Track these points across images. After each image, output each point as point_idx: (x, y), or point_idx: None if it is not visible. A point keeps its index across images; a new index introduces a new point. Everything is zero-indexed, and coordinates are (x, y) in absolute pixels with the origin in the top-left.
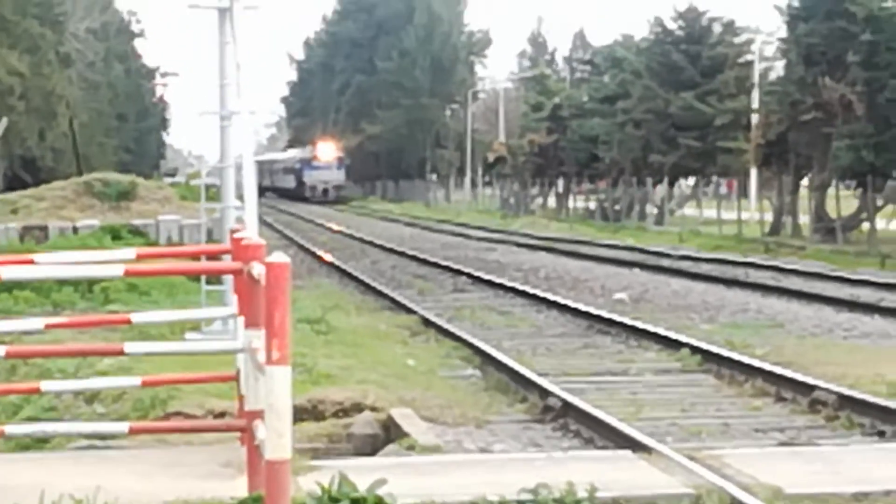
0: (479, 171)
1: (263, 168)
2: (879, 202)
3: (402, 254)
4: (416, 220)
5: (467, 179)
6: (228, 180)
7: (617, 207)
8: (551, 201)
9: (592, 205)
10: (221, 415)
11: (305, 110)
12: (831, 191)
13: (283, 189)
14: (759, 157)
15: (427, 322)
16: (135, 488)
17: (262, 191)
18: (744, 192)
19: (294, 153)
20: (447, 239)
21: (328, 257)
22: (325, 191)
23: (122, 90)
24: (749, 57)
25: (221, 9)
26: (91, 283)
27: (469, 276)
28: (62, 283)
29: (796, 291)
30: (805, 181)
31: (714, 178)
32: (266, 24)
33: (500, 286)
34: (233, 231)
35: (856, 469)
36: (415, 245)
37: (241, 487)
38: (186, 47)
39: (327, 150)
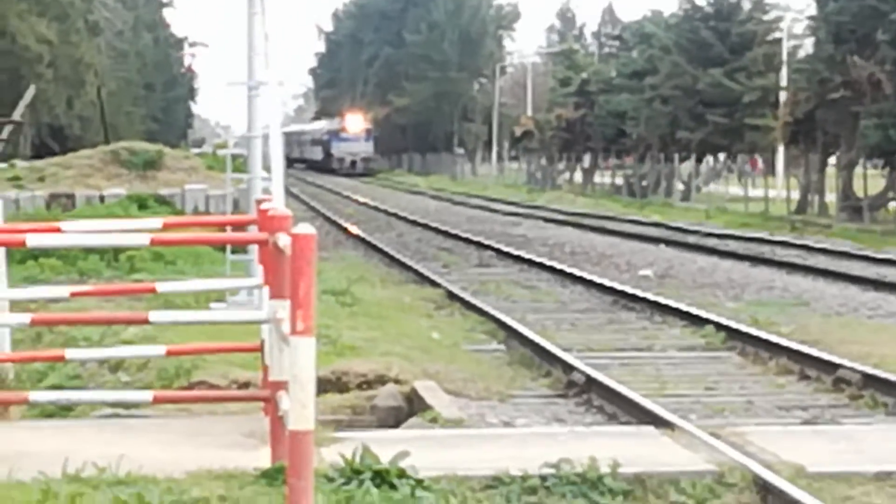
0: (506, 146)
1: (291, 139)
2: None
3: (427, 227)
4: (442, 194)
5: (494, 153)
6: (255, 151)
7: (644, 183)
8: (578, 176)
9: (619, 180)
10: (245, 385)
11: (333, 82)
12: (858, 170)
13: (310, 160)
14: (786, 134)
15: (452, 295)
16: (158, 457)
17: (290, 162)
18: (771, 170)
19: (322, 124)
20: (473, 213)
21: (354, 230)
22: (353, 163)
23: (150, 59)
24: (778, 34)
25: None
26: (117, 251)
27: (495, 250)
28: (88, 251)
29: (822, 270)
30: (832, 160)
31: (740, 156)
32: None
33: (526, 261)
34: (259, 202)
35: (879, 448)
36: (440, 218)
37: (264, 458)
38: (215, 17)
39: (356, 122)
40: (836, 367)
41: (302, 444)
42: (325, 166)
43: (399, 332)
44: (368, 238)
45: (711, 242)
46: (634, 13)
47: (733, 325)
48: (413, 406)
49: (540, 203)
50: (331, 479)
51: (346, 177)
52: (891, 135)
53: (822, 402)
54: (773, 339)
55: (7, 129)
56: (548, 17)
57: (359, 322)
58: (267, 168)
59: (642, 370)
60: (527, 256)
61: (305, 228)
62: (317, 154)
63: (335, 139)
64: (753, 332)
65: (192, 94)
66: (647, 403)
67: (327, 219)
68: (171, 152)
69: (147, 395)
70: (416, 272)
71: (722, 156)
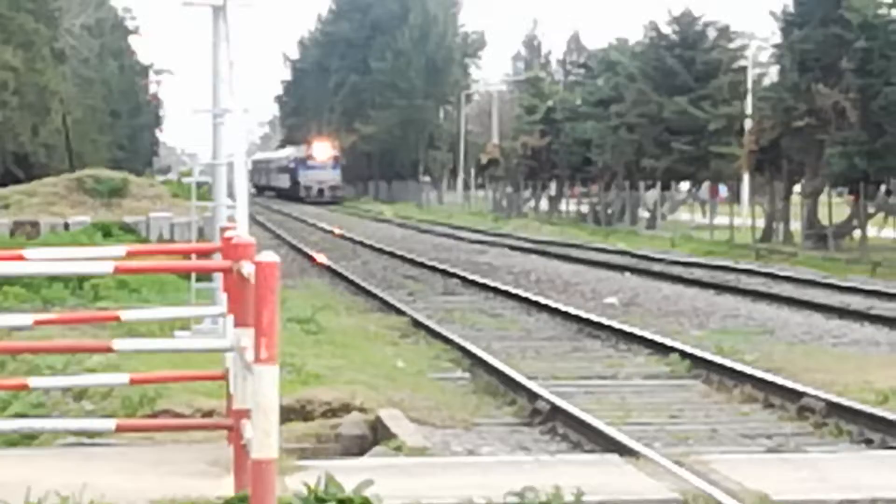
0: (472, 173)
1: (259, 167)
2: (871, 210)
3: (393, 255)
4: (409, 221)
5: (460, 181)
6: (220, 178)
7: (609, 211)
8: (543, 204)
9: (585, 208)
10: (209, 413)
11: (299, 109)
12: (823, 198)
13: (277, 188)
14: (751, 162)
15: (417, 323)
16: (121, 486)
17: (259, 190)
18: (736, 198)
19: (289, 152)
20: (439, 240)
21: (321, 258)
22: (321, 191)
23: (115, 87)
24: (743, 62)
25: (215, 6)
26: (81, 279)
27: (460, 278)
28: (52, 279)
29: (787, 298)
30: (797, 187)
31: (703, 185)
32: (260, 23)
33: (491, 289)
34: (223, 229)
35: (843, 477)
36: (406, 246)
37: (227, 486)
38: (181, 45)
39: (323, 150)
40: (801, 395)
41: (265, 472)
42: (292, 194)
43: (364, 361)
44: (334, 266)
45: (677, 270)
46: (600, 41)
47: (698, 353)
48: (378, 434)
49: (506, 231)
50: None
51: (312, 205)
52: (856, 163)
53: (786, 430)
54: (738, 367)
55: None
56: (514, 45)
57: (323, 350)
58: (232, 196)
59: (607, 398)
60: (492, 284)
61: (269, 256)
62: (284, 182)
63: (302, 167)
64: (718, 360)
65: (157, 121)
66: (611, 431)
67: (293, 246)
68: (137, 180)
69: (110, 424)
70: (381, 300)
71: (686, 184)
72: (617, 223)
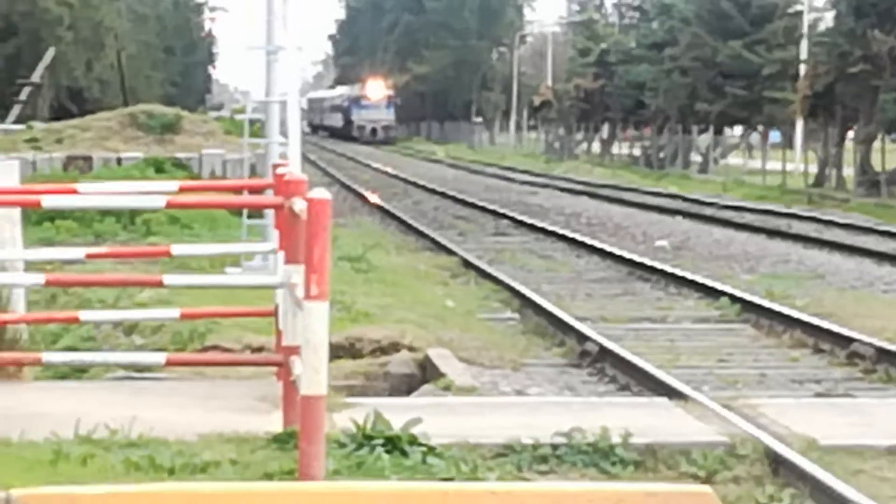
0: (525, 115)
1: (313, 106)
2: None
3: (444, 195)
4: (460, 162)
5: (512, 123)
6: (273, 116)
7: (661, 155)
8: (596, 147)
9: (637, 152)
10: (259, 349)
11: (352, 49)
12: (877, 144)
13: (330, 127)
14: (805, 108)
15: (467, 264)
16: (170, 419)
17: (313, 129)
18: (789, 143)
19: (342, 91)
20: (490, 182)
21: (374, 198)
22: (374, 130)
23: (169, 23)
24: (799, 7)
25: None
26: (133, 214)
27: (511, 219)
28: (104, 213)
29: (838, 244)
30: (851, 134)
31: (759, 128)
32: None
33: (542, 230)
34: (275, 166)
35: (891, 423)
36: (457, 186)
37: (276, 422)
38: None
39: (377, 89)
40: (851, 340)
41: (314, 408)
42: (345, 134)
43: (413, 300)
44: (385, 205)
45: (728, 215)
46: None
47: (748, 297)
48: (426, 373)
49: (557, 173)
50: (342, 445)
51: (365, 144)
52: None
53: (835, 375)
54: (788, 311)
55: (26, 90)
56: None
57: (373, 288)
58: (284, 134)
59: (656, 341)
60: (543, 226)
61: (321, 193)
62: (336, 121)
63: (355, 106)
64: (768, 304)
65: (211, 58)
66: (660, 374)
67: (344, 185)
68: (189, 116)
69: (160, 358)
70: (431, 240)
71: (739, 129)
72: (669, 167)
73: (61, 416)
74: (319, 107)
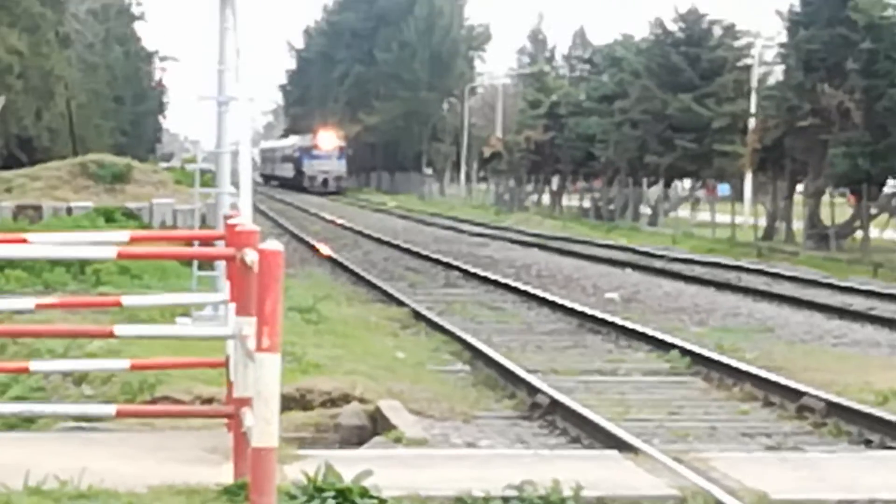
0: (475, 166)
1: (264, 156)
2: (873, 211)
3: (394, 246)
4: (411, 213)
5: (462, 174)
6: (224, 166)
7: (611, 207)
8: (546, 198)
9: (587, 203)
10: (209, 401)
11: (303, 99)
12: (826, 198)
13: (280, 178)
14: (755, 161)
15: (418, 315)
16: (120, 471)
17: (265, 179)
18: (739, 196)
19: (293, 141)
20: (441, 233)
21: (325, 250)
22: (325, 181)
23: (120, 72)
24: (748, 61)
25: None
26: (83, 264)
27: (461, 270)
28: (54, 263)
29: (788, 297)
30: (800, 187)
31: (706, 182)
32: (266, 11)
33: (492, 282)
34: (227, 217)
35: (842, 476)
36: (408, 238)
37: (226, 473)
38: (186, 31)
39: (328, 139)
40: (801, 394)
41: (265, 460)
42: (295, 184)
43: (364, 351)
44: (336, 256)
45: (678, 267)
46: (606, 37)
47: (698, 350)
48: (377, 425)
49: (507, 224)
50: (293, 497)
51: (316, 195)
52: (859, 163)
53: (785, 428)
54: (738, 364)
55: None
56: (519, 39)
57: (324, 340)
58: (235, 184)
59: (607, 393)
60: (493, 277)
61: (273, 245)
62: (287, 171)
63: (307, 156)
64: (718, 357)
65: (161, 107)
66: (610, 427)
67: (294, 236)
68: (140, 166)
69: (110, 409)
70: (382, 291)
71: (687, 182)
72: (619, 219)
73: (10, 466)
74: (271, 157)
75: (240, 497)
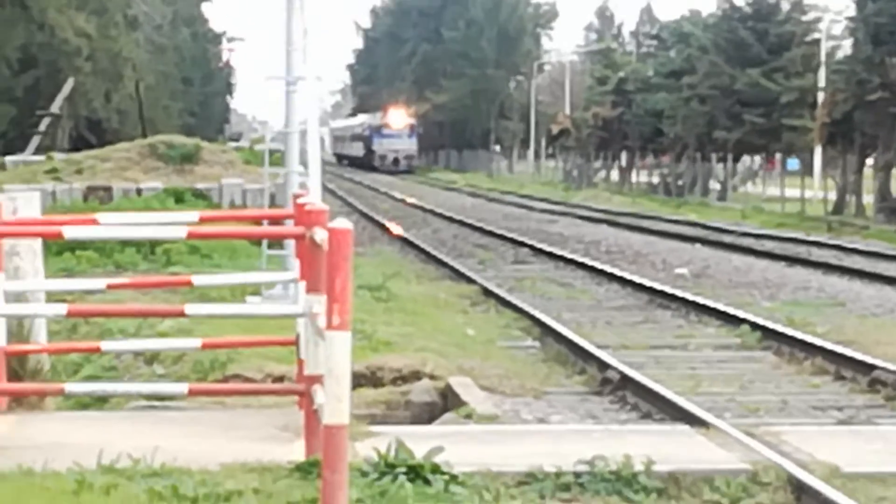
0: (543, 143)
1: (335, 135)
2: None
3: (463, 223)
4: (479, 191)
5: (531, 151)
6: (293, 145)
7: (680, 182)
8: (614, 175)
9: (655, 179)
10: (280, 379)
11: (371, 78)
12: None
13: (350, 157)
14: (824, 135)
15: (487, 292)
16: (192, 449)
17: (339, 159)
18: (809, 171)
19: (363, 119)
20: (509, 210)
21: (396, 229)
22: (396, 160)
23: (188, 54)
24: (816, 35)
25: None
26: (154, 244)
27: (530, 247)
28: (125, 243)
29: (858, 270)
30: (870, 161)
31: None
32: None
33: (562, 258)
34: (296, 196)
35: None
36: (477, 215)
37: (298, 451)
38: (253, 12)
39: (399, 117)
40: (872, 367)
41: (336, 437)
42: (366, 163)
43: (434, 328)
44: (405, 235)
45: (747, 242)
46: (673, 13)
47: (769, 324)
48: (447, 402)
49: (576, 201)
50: (365, 474)
51: (386, 174)
52: None
53: (857, 402)
54: (809, 339)
55: (45, 121)
56: (586, 16)
57: (394, 317)
58: (304, 163)
59: (677, 368)
60: (562, 254)
61: (342, 223)
62: (357, 150)
63: (377, 135)
64: (789, 331)
65: (229, 88)
66: (681, 402)
67: (363, 214)
68: (209, 146)
69: (182, 388)
70: (451, 268)
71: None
72: (688, 194)
73: (84, 446)
74: (342, 136)
75: (312, 474)
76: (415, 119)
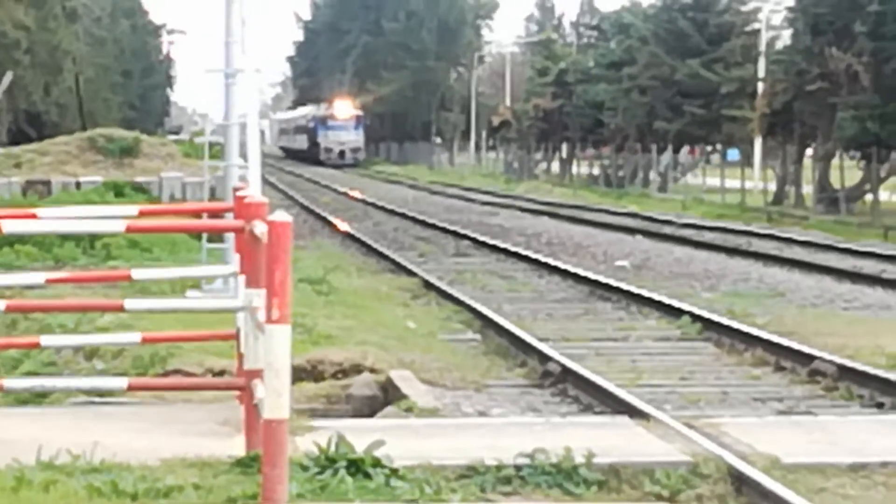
0: (484, 135)
1: (280, 127)
2: (883, 173)
3: (404, 216)
4: (420, 183)
5: (472, 143)
6: (232, 138)
7: (621, 174)
8: (555, 166)
9: (596, 171)
10: (220, 373)
11: (311, 70)
12: (835, 161)
13: (293, 150)
14: (763, 126)
15: (428, 285)
16: (132, 444)
17: (285, 153)
18: (748, 161)
19: (308, 110)
20: (450, 202)
21: (344, 226)
22: (342, 153)
23: (127, 46)
24: (756, 25)
25: None
26: (93, 238)
27: (472, 239)
28: (64, 238)
29: (799, 261)
30: (809, 151)
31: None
32: None
33: (503, 250)
34: (235, 189)
35: (853, 440)
36: (418, 208)
37: (238, 446)
38: (193, 4)
39: (345, 108)
40: (812, 358)
41: (276, 432)
42: (310, 157)
43: (375, 322)
44: (354, 233)
45: (688, 233)
46: (613, 3)
47: (709, 315)
48: (388, 395)
49: (517, 193)
50: (305, 468)
51: (332, 168)
52: (868, 126)
53: (797, 393)
54: (749, 329)
55: None
56: (527, 7)
57: (335, 311)
58: (244, 156)
59: (618, 360)
60: (504, 246)
61: (282, 216)
62: (301, 143)
63: (322, 127)
64: (729, 322)
65: (169, 81)
66: (622, 394)
67: (304, 207)
68: (148, 139)
69: (122, 383)
70: (392, 261)
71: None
72: (628, 186)
73: (23, 442)
74: (286, 128)
75: (252, 469)
76: (361, 111)
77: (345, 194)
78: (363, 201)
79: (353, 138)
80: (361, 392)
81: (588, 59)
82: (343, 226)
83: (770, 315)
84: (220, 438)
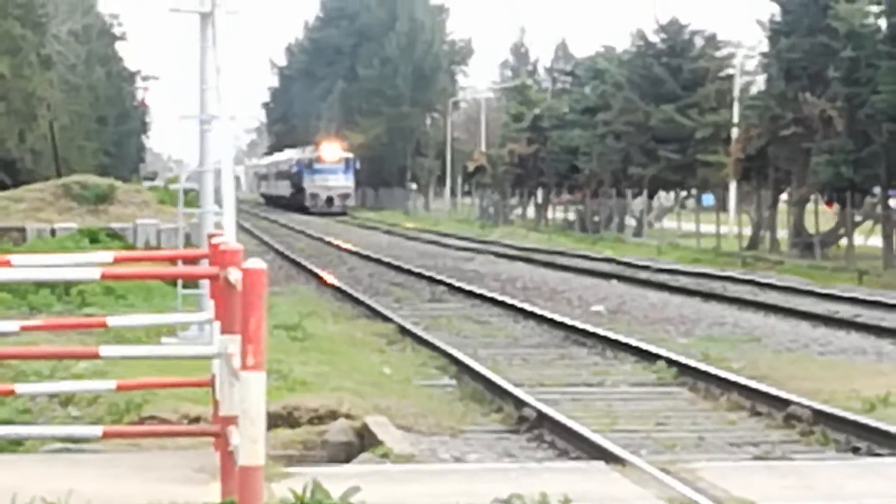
0: (459, 181)
1: (257, 173)
2: (858, 218)
3: (380, 262)
4: (395, 229)
5: (447, 188)
6: (207, 185)
7: (596, 219)
8: (530, 212)
9: (571, 216)
10: (196, 420)
11: (286, 116)
12: (810, 206)
13: (274, 197)
14: (738, 170)
15: (404, 330)
16: (107, 492)
17: (267, 200)
18: (723, 206)
19: (290, 154)
20: (426, 247)
21: (331, 279)
22: (330, 199)
23: (102, 93)
24: (730, 71)
25: (203, 13)
26: (68, 286)
27: (447, 285)
28: (39, 285)
29: (773, 306)
30: (784, 196)
31: (692, 192)
32: (247, 29)
33: (478, 296)
34: (210, 236)
35: (829, 484)
36: (393, 253)
37: (214, 493)
38: (168, 51)
39: (333, 150)
40: (787, 403)
41: (252, 479)
42: (293, 203)
43: (350, 367)
44: (321, 273)
45: (663, 278)
46: (587, 49)
47: (684, 360)
48: (364, 441)
49: (493, 238)
50: None
51: (319, 216)
52: (842, 171)
53: (773, 437)
54: (725, 374)
55: None
56: (501, 53)
57: (310, 357)
58: (219, 203)
59: (594, 405)
60: (479, 291)
61: (256, 263)
62: (283, 189)
63: (308, 171)
64: (705, 367)
65: (144, 127)
66: (597, 439)
67: (279, 253)
68: (123, 186)
69: (97, 430)
70: (368, 307)
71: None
72: (603, 231)
73: None
74: (265, 173)
75: None
76: (350, 153)
77: (320, 239)
78: (338, 247)
79: (343, 183)
80: (337, 438)
81: (563, 105)
82: (330, 278)
83: (745, 360)
84: (195, 485)
